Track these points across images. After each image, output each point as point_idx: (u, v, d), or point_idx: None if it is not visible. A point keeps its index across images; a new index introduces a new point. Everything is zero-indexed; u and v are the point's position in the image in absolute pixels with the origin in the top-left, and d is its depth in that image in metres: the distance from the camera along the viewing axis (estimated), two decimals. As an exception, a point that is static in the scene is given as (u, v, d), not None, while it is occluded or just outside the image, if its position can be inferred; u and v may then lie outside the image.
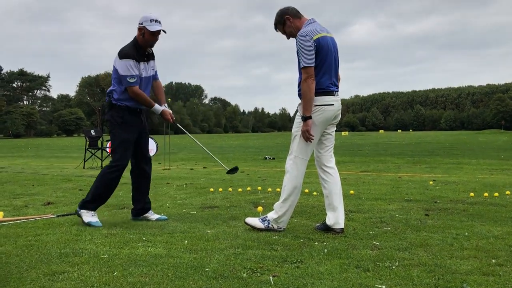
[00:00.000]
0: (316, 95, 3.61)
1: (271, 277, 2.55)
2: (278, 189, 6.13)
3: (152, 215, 4.40)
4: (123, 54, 4.05)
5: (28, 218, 4.35)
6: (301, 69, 3.60)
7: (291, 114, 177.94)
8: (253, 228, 3.77)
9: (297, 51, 3.65)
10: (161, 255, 3.05)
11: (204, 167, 11.32)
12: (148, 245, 3.31)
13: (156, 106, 4.23)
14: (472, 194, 5.63)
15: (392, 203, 5.15)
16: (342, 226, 3.65)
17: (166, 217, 4.39)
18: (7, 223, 4.15)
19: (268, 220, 3.74)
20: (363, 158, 14.20)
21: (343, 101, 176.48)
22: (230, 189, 6.46)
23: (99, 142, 12.10)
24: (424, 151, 17.53)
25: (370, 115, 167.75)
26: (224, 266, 2.78)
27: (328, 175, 3.76)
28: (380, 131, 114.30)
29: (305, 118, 3.58)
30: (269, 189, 6.29)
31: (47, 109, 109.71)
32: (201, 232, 3.74)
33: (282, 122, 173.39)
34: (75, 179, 8.33)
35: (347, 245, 3.28)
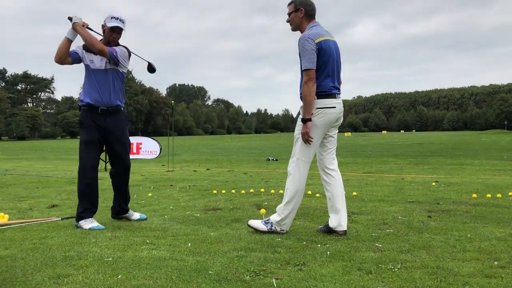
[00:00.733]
0: (318, 98, 3.63)
1: (274, 280, 2.57)
2: (281, 191, 6.15)
3: (133, 215, 4.50)
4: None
5: (33, 221, 4.38)
6: (302, 72, 3.62)
7: (294, 115, 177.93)
8: (256, 230, 3.79)
9: (299, 54, 3.67)
10: (165, 257, 3.07)
11: (207, 169, 11.35)
12: (152, 248, 3.33)
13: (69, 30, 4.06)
14: (474, 195, 5.63)
15: (395, 204, 5.16)
16: (344, 228, 3.67)
17: (145, 216, 4.49)
18: (12, 226, 4.19)
19: (271, 222, 3.75)
20: (365, 159, 14.20)
21: (346, 102, 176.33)
22: (233, 191, 6.48)
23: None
24: (427, 152, 17.51)
25: (373, 116, 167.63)
26: (227, 269, 2.80)
27: (331, 178, 3.78)
28: (383, 131, 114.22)
29: (305, 121, 3.60)
30: (272, 191, 6.31)
31: (51, 111, 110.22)
32: (205, 234, 3.76)
33: (284, 123, 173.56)
34: (79, 182, 8.36)
35: (349, 247, 3.29)
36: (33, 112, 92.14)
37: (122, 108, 4.37)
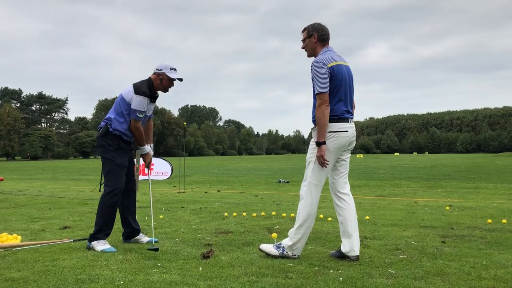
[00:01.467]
0: (330, 122, 3.64)
1: (286, 307, 2.54)
2: (292, 214, 6.12)
3: (143, 238, 4.53)
4: (142, 91, 4.25)
5: (45, 243, 4.41)
6: (315, 95, 3.65)
7: (305, 136, 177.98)
8: (268, 255, 3.77)
9: (312, 78, 3.70)
10: (176, 282, 3.06)
11: (218, 190, 11.35)
12: (163, 272, 3.32)
13: (146, 146, 4.45)
14: (489, 220, 5.54)
15: (408, 229, 5.09)
16: (357, 253, 3.63)
17: (156, 239, 4.52)
18: (25, 247, 4.21)
19: (283, 247, 3.73)
20: (378, 181, 14.10)
21: (358, 123, 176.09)
22: (244, 213, 6.46)
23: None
24: (440, 175, 17.34)
25: (385, 138, 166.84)
26: (239, 294, 2.77)
27: (343, 202, 3.76)
28: (396, 153, 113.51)
29: (320, 144, 3.61)
30: (284, 214, 6.27)
31: (65, 131, 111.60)
32: (216, 258, 3.74)
33: (296, 144, 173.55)
34: (91, 203, 8.41)
35: (362, 273, 3.25)
36: (46, 132, 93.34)
37: None
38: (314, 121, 3.72)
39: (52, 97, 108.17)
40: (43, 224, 5.73)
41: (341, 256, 3.68)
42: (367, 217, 5.85)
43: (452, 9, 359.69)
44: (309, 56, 3.94)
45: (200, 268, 3.43)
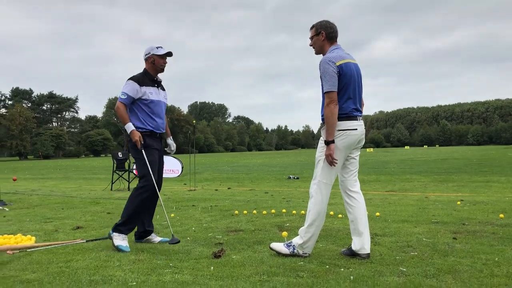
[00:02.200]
0: (339, 120, 3.64)
1: (297, 306, 2.55)
2: (302, 212, 6.13)
3: (155, 237, 4.58)
4: (130, 77, 4.44)
5: (59, 244, 4.47)
6: (324, 94, 3.65)
7: (315, 131, 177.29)
8: (278, 253, 3.78)
9: (320, 76, 3.70)
10: (188, 282, 3.09)
11: (229, 188, 11.38)
12: (175, 272, 3.35)
13: (129, 124, 4.35)
14: (502, 215, 5.50)
15: (419, 225, 5.08)
16: (368, 251, 3.63)
17: (167, 239, 4.52)
18: (39, 248, 4.27)
19: (293, 245, 3.74)
20: (388, 176, 14.04)
21: (367, 117, 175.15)
22: (254, 211, 6.48)
23: (126, 164, 12.32)
24: (451, 168, 17.22)
25: (395, 131, 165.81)
26: (250, 294, 2.79)
27: (353, 200, 3.76)
28: (406, 147, 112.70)
29: (328, 143, 3.61)
30: (294, 212, 6.28)
31: (75, 130, 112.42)
32: (227, 257, 3.77)
33: (305, 140, 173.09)
34: (103, 202, 8.49)
35: (373, 271, 3.25)
36: (57, 132, 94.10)
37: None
38: (323, 119, 3.72)
39: (63, 96, 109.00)
40: (56, 225, 5.80)
41: (352, 254, 3.68)
42: (377, 214, 5.84)
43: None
44: (317, 53, 3.93)
45: (212, 267, 3.46)
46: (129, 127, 4.35)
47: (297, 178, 14.31)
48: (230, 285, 2.99)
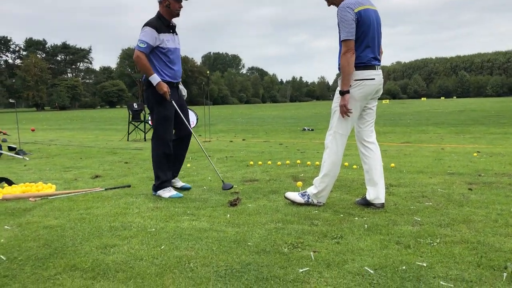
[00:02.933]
0: (356, 69, 3.56)
1: (312, 253, 2.61)
2: (317, 163, 6.15)
3: (178, 182, 4.65)
4: (146, 23, 4.24)
5: (79, 192, 4.58)
6: (341, 42, 3.55)
7: (330, 83, 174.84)
8: (293, 202, 3.83)
9: (337, 24, 3.59)
10: (205, 229, 3.16)
11: (243, 139, 11.44)
12: (193, 219, 3.43)
13: (155, 75, 4.19)
14: (519, 167, 5.45)
15: (434, 176, 5.07)
16: (382, 201, 3.65)
17: (190, 186, 4.64)
18: (60, 196, 4.40)
19: (308, 195, 3.78)
20: (404, 128, 13.93)
21: (384, 68, 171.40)
22: (269, 162, 6.53)
23: (141, 115, 12.40)
24: (468, 120, 16.98)
25: (412, 82, 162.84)
26: (266, 241, 2.86)
27: (369, 150, 3.74)
28: (422, 98, 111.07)
29: (343, 93, 3.55)
30: (308, 163, 6.31)
31: (90, 81, 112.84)
32: (243, 206, 3.83)
33: (320, 91, 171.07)
34: (120, 152, 8.62)
35: (387, 220, 3.28)
36: (73, 82, 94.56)
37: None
38: (339, 68, 3.65)
39: (76, 47, 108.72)
40: (75, 174, 5.94)
41: (366, 203, 3.71)
42: (392, 165, 5.83)
43: None
44: (329, 4, 3.79)
45: (228, 215, 3.53)
46: (155, 79, 4.18)
47: (312, 130, 14.28)
48: (246, 232, 3.05)
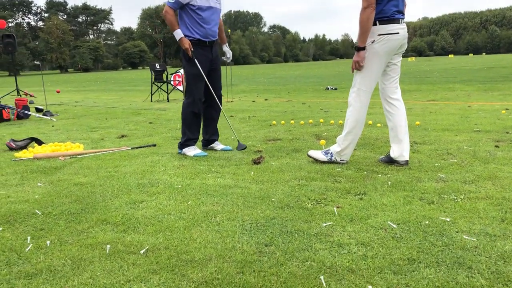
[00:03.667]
0: (380, 24, 3.47)
1: (335, 208, 2.65)
2: (340, 122, 6.12)
3: (218, 146, 4.66)
4: None
5: (106, 151, 4.70)
6: (363, -4, 3.45)
7: (354, 40, 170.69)
8: (316, 160, 3.86)
9: (361, -23, 3.48)
10: (230, 185, 3.23)
11: (266, 99, 11.40)
12: (218, 176, 3.50)
13: (178, 31, 4.18)
14: (548, 124, 5.32)
15: (460, 134, 5.00)
16: (406, 158, 3.64)
17: (230, 148, 4.63)
18: (88, 155, 4.52)
19: (331, 153, 3.79)
20: (430, 86, 13.63)
21: (410, 24, 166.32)
22: (292, 121, 6.53)
23: (164, 75, 12.44)
24: (497, 77, 16.47)
25: (439, 39, 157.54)
26: (289, 197, 2.91)
27: (393, 107, 3.69)
28: (450, 55, 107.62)
29: (358, 49, 3.48)
30: (332, 121, 6.29)
31: (112, 42, 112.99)
32: (266, 164, 3.88)
33: (344, 49, 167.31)
34: (144, 112, 8.74)
35: (411, 177, 3.29)
36: (95, 44, 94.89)
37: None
38: (359, 24, 3.56)
39: (97, 7, 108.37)
40: (101, 133, 6.07)
41: (390, 161, 3.70)
42: (417, 123, 5.76)
43: None
44: None
45: (252, 173, 3.58)
46: (178, 34, 4.17)
47: (335, 88, 14.11)
48: (269, 189, 3.11)
